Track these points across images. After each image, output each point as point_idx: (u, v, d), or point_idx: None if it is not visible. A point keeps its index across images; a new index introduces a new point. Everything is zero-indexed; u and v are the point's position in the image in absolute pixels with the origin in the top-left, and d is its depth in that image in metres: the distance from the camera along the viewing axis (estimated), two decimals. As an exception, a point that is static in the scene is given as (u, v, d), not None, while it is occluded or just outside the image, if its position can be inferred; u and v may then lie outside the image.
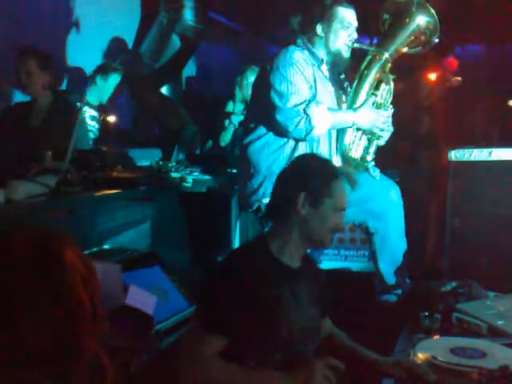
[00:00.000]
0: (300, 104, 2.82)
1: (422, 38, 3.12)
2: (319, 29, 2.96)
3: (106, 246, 2.97)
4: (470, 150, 3.72)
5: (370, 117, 2.95)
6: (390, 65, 3.02)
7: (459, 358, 1.96)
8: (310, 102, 2.83)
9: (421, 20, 3.04)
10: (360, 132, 3.01)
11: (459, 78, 6.05)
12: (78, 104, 3.44)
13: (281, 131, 2.89)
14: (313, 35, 2.99)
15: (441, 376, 1.89)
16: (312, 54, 2.98)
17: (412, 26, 3.04)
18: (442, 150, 4.00)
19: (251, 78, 4.52)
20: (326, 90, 2.99)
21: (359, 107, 2.95)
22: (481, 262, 3.49)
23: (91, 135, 4.09)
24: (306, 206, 1.92)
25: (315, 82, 2.92)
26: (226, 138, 4.65)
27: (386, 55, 3.01)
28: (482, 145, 3.95)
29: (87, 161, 3.18)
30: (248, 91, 4.55)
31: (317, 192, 1.92)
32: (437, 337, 2.22)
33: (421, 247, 4.11)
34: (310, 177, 1.94)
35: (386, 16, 3.14)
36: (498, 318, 2.37)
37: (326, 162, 2.06)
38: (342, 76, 3.17)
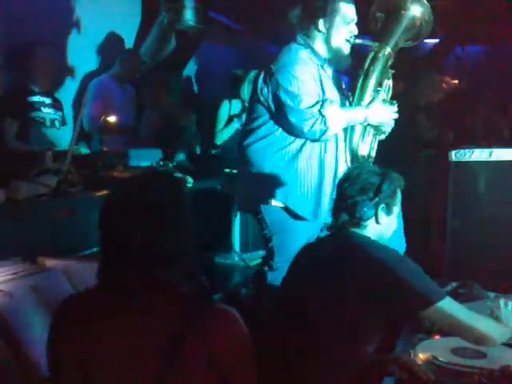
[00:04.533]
0: (314, 105, 2.77)
1: (417, 29, 3.10)
2: (321, 24, 2.91)
3: (106, 246, 2.96)
4: (471, 150, 3.72)
5: (382, 112, 2.94)
6: (392, 60, 3.01)
7: (460, 358, 1.97)
8: (323, 102, 2.80)
9: (416, 10, 3.02)
10: (368, 128, 2.99)
11: (456, 81, 6.06)
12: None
13: (294, 132, 2.84)
14: (313, 30, 2.94)
15: (441, 376, 1.89)
16: (314, 52, 2.94)
17: (408, 17, 3.01)
18: (443, 151, 4.00)
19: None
20: (332, 90, 2.95)
21: (370, 103, 2.93)
22: (481, 262, 3.50)
23: (48, 122, 4.04)
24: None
25: (321, 80, 2.89)
26: (224, 135, 4.68)
27: (389, 50, 2.98)
28: (483, 145, 3.96)
29: (88, 161, 3.19)
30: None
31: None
32: (437, 337, 2.21)
33: (421, 248, 4.11)
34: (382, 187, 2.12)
35: (379, 14, 3.12)
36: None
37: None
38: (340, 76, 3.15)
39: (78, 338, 1.44)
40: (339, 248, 2.12)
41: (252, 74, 4.63)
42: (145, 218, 1.45)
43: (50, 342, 1.52)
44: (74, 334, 1.45)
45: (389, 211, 2.15)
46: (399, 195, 2.20)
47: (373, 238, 2.13)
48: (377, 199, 2.10)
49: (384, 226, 2.16)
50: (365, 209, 2.09)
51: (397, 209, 2.20)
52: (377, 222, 2.13)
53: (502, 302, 2.18)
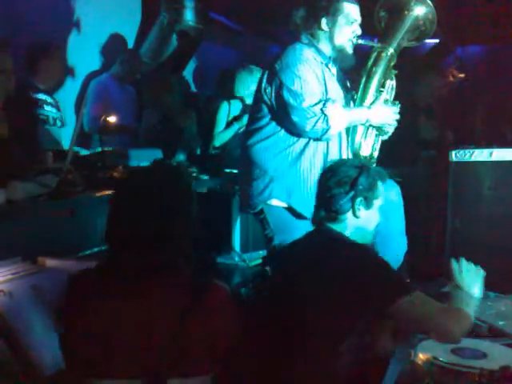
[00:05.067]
0: (316, 104, 2.78)
1: (420, 29, 3.10)
2: (324, 23, 2.92)
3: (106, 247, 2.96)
4: (471, 150, 3.72)
5: (384, 113, 2.95)
6: (395, 60, 3.01)
7: (460, 359, 1.97)
8: (326, 101, 2.81)
9: (419, 11, 3.03)
10: (370, 129, 3.00)
11: (462, 75, 6.07)
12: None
13: (296, 131, 2.85)
14: (316, 29, 2.95)
15: (441, 376, 1.89)
16: (319, 51, 2.94)
17: (411, 18, 3.02)
18: (443, 151, 4.00)
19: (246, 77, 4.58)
20: (335, 89, 2.96)
21: (372, 104, 2.94)
22: (481, 262, 3.49)
23: (51, 120, 4.04)
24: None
25: (324, 80, 2.89)
26: (224, 137, 4.68)
27: (391, 50, 2.99)
28: (483, 145, 3.96)
29: (88, 161, 3.19)
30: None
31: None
32: (437, 337, 2.21)
33: (421, 247, 4.11)
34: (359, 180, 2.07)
35: (383, 13, 3.13)
36: (498, 318, 2.38)
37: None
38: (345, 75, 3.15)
39: (96, 314, 1.57)
40: (315, 246, 2.08)
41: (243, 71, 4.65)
42: (155, 204, 1.63)
43: (65, 318, 1.62)
44: (91, 311, 1.58)
45: (368, 205, 2.10)
46: (379, 188, 2.13)
47: (352, 232, 2.09)
48: (353, 192, 2.05)
49: (363, 220, 2.11)
50: (341, 202, 2.05)
51: (378, 202, 2.14)
52: (354, 215, 2.08)
53: (455, 265, 2.12)
